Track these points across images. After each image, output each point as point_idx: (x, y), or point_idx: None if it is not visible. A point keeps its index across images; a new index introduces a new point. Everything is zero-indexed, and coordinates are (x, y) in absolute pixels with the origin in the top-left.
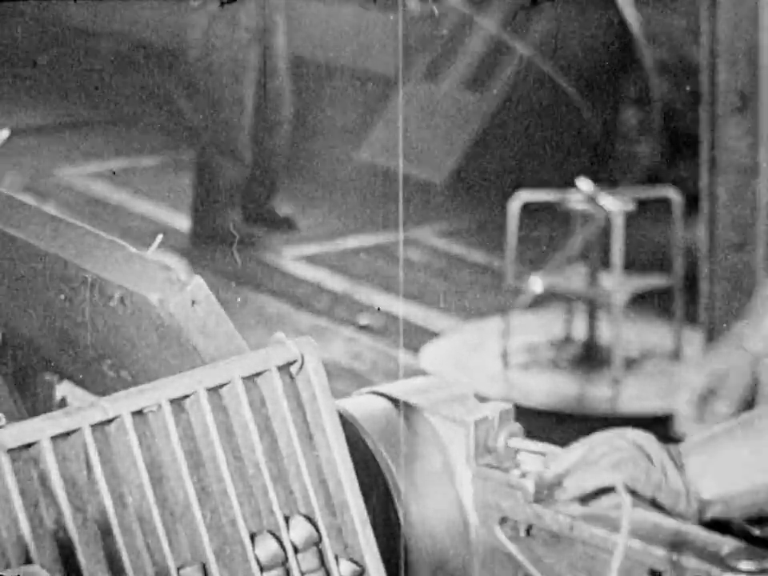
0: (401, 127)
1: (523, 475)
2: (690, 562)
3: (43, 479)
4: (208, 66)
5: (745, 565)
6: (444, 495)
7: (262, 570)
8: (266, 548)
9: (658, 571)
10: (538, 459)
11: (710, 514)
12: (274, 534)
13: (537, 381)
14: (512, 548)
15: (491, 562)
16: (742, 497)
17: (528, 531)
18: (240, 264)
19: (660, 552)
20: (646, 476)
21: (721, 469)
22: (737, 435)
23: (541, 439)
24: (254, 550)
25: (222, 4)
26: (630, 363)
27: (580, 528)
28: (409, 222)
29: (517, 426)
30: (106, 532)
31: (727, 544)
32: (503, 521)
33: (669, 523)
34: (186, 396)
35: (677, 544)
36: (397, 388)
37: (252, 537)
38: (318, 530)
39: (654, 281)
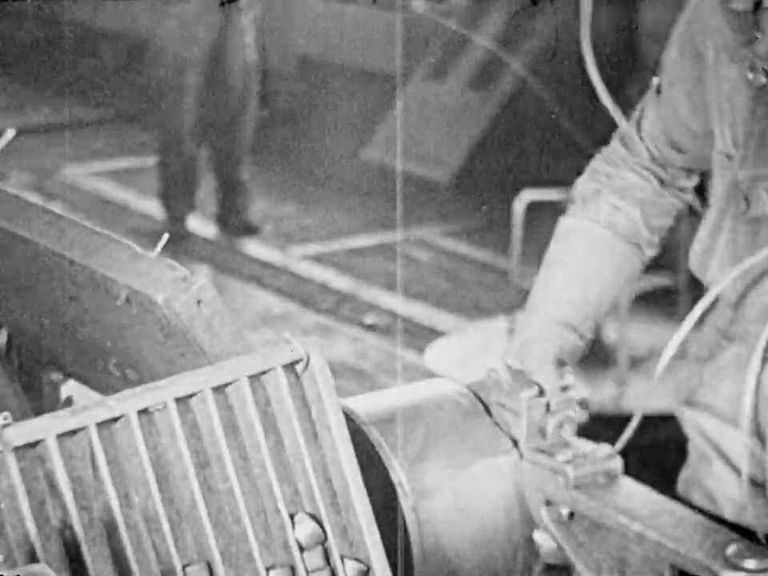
0: (399, 126)
1: (568, 460)
2: (694, 560)
3: (49, 478)
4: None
5: (750, 563)
6: (458, 492)
7: (267, 568)
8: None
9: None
10: (589, 444)
11: None
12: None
13: None
14: (554, 531)
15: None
16: None
17: (570, 517)
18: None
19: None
20: None
21: None
22: None
23: None
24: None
25: (222, 4)
26: (636, 362)
27: (608, 516)
28: (414, 221)
29: (569, 413)
30: (111, 530)
31: (732, 542)
32: (548, 504)
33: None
34: (192, 395)
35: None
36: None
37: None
38: (323, 529)
39: (659, 280)
